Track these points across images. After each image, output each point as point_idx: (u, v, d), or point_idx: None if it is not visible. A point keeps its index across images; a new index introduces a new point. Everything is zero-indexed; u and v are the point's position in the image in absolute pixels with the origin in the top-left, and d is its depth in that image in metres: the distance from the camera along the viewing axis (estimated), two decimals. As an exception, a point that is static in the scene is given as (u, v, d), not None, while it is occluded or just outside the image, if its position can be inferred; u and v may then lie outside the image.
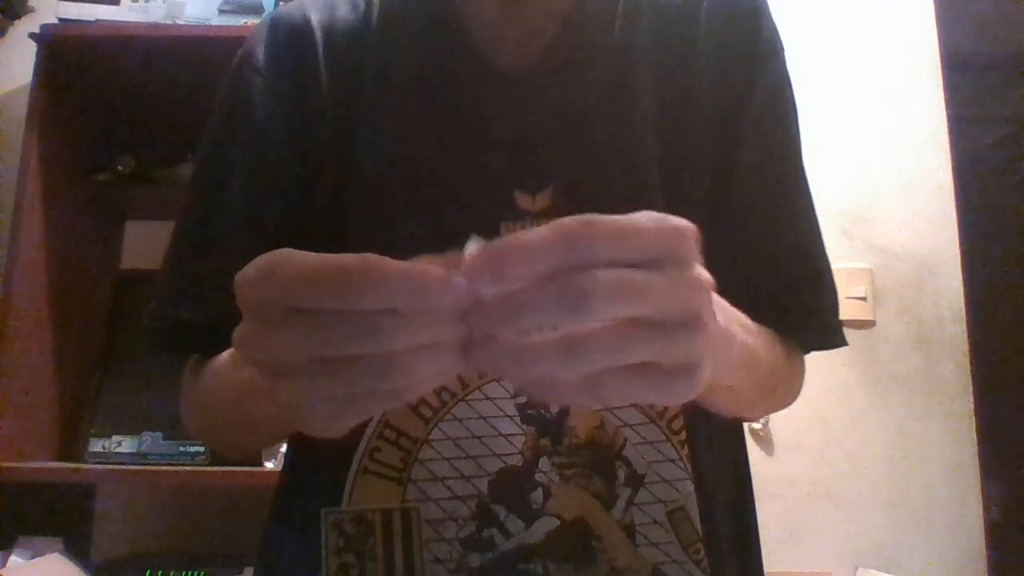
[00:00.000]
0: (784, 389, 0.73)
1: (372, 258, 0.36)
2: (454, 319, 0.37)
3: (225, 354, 0.66)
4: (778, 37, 0.76)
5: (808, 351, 0.74)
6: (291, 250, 0.37)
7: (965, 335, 1.85)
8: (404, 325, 0.36)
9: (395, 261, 0.36)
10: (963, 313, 1.86)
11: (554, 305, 0.35)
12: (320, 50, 0.73)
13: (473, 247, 0.38)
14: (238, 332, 0.40)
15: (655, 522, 0.65)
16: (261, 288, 0.38)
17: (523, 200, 0.68)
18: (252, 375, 0.54)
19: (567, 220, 0.36)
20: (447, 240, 0.67)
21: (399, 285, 0.35)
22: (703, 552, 0.65)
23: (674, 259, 0.37)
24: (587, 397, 0.38)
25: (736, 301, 0.55)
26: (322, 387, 0.38)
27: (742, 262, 0.70)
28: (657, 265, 0.37)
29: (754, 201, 0.72)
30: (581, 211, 0.66)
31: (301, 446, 0.74)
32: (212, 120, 0.75)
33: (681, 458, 0.66)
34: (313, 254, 0.36)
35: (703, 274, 0.39)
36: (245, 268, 0.38)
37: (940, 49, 1.98)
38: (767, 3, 0.76)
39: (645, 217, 0.37)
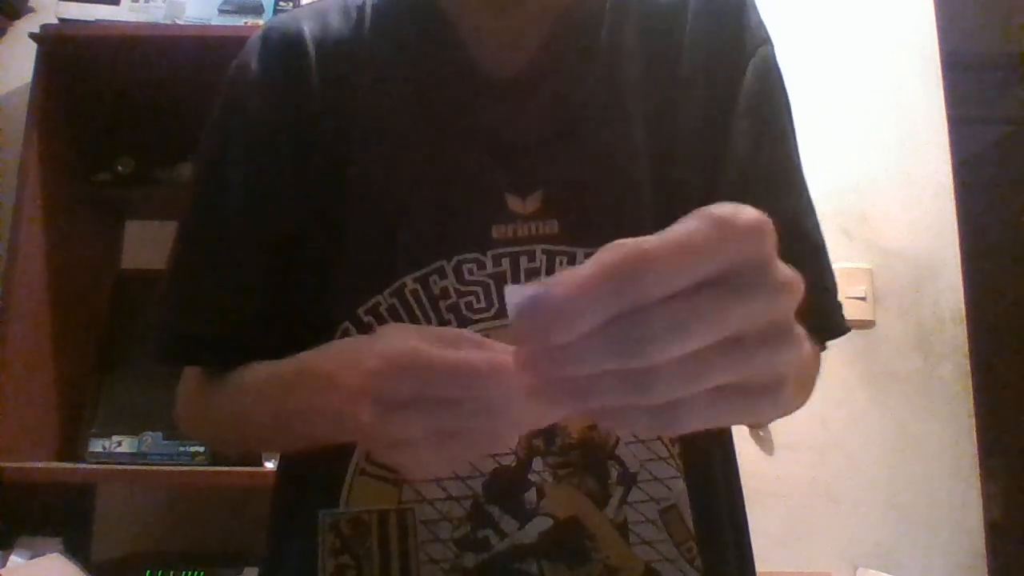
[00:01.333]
0: (807, 387, 0.70)
1: (495, 359, 0.42)
2: None
3: (260, 374, 0.67)
4: (765, 29, 0.76)
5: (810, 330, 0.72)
6: (417, 345, 0.44)
7: (965, 335, 1.85)
8: (507, 405, 0.42)
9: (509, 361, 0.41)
10: (963, 313, 1.85)
11: (612, 356, 0.32)
12: (313, 59, 0.73)
13: (514, 295, 0.34)
14: (367, 418, 0.46)
15: (648, 520, 0.65)
16: (396, 382, 0.44)
17: (514, 203, 0.68)
18: (312, 402, 0.59)
19: (611, 257, 0.32)
20: (440, 243, 0.68)
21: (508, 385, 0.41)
22: (696, 550, 0.65)
23: (750, 264, 0.33)
24: (660, 427, 0.35)
25: None
26: (436, 450, 0.45)
27: None
28: (730, 276, 0.32)
29: (743, 190, 0.71)
30: (573, 213, 0.67)
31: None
32: (208, 131, 0.76)
33: (673, 456, 0.66)
34: (438, 351, 0.44)
35: (784, 274, 0.34)
36: (371, 360, 0.46)
37: (940, 49, 1.98)
38: None
39: (705, 225, 0.32)
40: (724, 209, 0.32)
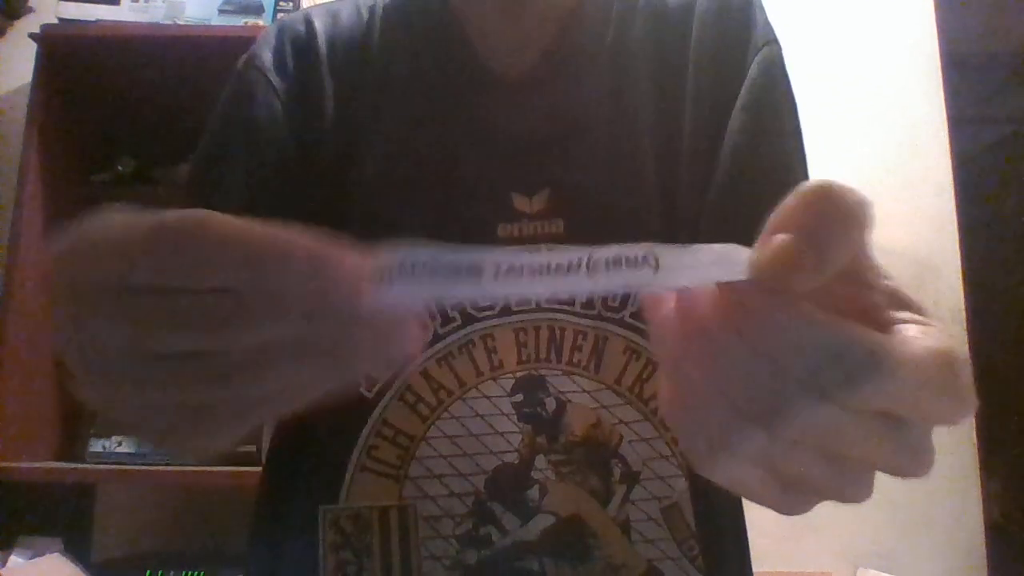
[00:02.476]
0: None
1: (205, 215, 0.28)
2: (330, 309, 0.29)
3: None
4: (771, 29, 0.75)
5: None
6: (116, 213, 0.29)
7: (965, 335, 1.85)
8: (253, 312, 0.28)
9: (242, 222, 0.28)
10: (963, 313, 1.86)
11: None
12: (324, 55, 0.74)
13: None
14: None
15: (650, 518, 0.65)
16: (73, 262, 0.30)
17: (520, 202, 0.69)
18: None
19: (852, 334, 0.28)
20: (444, 242, 0.68)
21: (238, 253, 0.27)
22: (697, 548, 0.65)
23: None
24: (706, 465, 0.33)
25: None
26: (139, 392, 0.30)
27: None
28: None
29: (737, 185, 0.70)
30: (579, 213, 0.67)
31: (296, 445, 0.74)
32: (215, 114, 0.75)
33: (675, 455, 0.66)
34: (143, 216, 0.28)
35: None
36: (60, 241, 0.31)
37: (940, 49, 1.98)
38: None
39: (945, 362, 0.29)
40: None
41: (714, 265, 0.30)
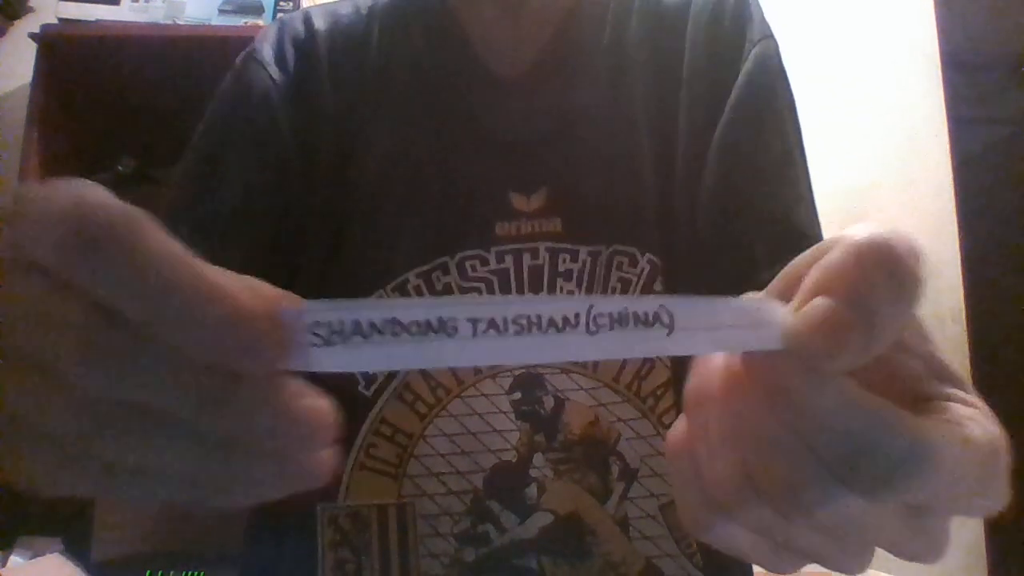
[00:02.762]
0: None
1: (141, 221, 0.23)
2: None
3: None
4: (767, 25, 0.75)
5: None
6: (90, 185, 0.23)
7: (965, 335, 1.84)
8: (143, 349, 0.23)
9: (177, 245, 0.24)
10: (963, 313, 1.85)
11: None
12: (323, 54, 0.74)
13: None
14: None
15: (648, 516, 0.65)
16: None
17: (518, 200, 0.69)
18: None
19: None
20: (443, 239, 0.68)
21: (158, 275, 0.23)
22: (695, 546, 0.65)
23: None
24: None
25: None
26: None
27: (724, 248, 0.68)
28: None
29: (729, 178, 0.69)
30: (577, 211, 0.67)
31: None
32: (212, 107, 0.75)
33: None
34: (110, 199, 0.23)
35: None
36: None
37: (940, 49, 1.98)
38: None
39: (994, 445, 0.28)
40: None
41: (738, 327, 0.26)
